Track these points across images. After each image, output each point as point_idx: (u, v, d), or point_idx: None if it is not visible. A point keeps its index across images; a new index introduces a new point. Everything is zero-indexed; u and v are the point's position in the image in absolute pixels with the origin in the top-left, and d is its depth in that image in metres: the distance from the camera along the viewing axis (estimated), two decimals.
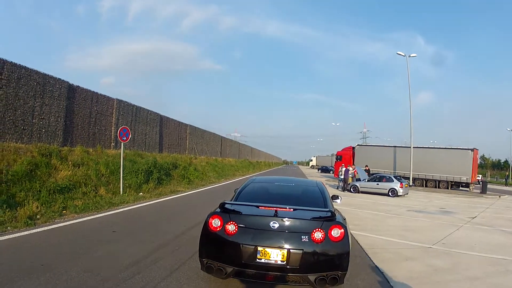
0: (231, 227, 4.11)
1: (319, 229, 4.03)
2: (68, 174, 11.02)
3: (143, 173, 14.81)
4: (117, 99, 18.71)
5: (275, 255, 3.96)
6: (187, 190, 16.54)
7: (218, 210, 4.42)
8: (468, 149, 29.80)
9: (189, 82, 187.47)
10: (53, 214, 8.44)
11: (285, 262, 3.93)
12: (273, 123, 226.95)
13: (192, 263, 5.36)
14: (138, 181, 14.11)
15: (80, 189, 10.77)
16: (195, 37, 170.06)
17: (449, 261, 6.74)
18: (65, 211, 8.90)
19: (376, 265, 6.09)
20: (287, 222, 4.08)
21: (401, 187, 20.50)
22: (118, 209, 10.12)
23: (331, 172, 54.16)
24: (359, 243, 7.67)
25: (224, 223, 4.17)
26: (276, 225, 4.05)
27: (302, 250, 3.95)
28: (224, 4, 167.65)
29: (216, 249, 4.16)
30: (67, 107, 14.73)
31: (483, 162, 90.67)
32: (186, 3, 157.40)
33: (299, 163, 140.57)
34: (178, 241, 6.71)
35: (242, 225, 4.12)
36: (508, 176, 54.70)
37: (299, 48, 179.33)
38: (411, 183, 28.09)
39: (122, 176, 12.95)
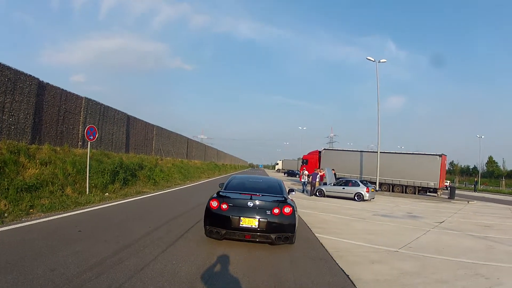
0: (224, 206, 6.79)
1: (277, 207, 6.79)
2: (36, 173, 11.18)
3: (109, 173, 15.02)
4: (85, 97, 18.65)
5: (250, 222, 6.63)
6: (153, 192, 16.83)
7: (215, 195, 7.12)
8: (436, 154, 30.17)
9: (157, 81, 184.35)
10: (20, 212, 8.65)
11: (257, 226, 6.62)
12: (240, 125, 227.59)
13: (156, 265, 5.54)
14: (104, 181, 14.33)
15: (47, 188, 10.96)
16: (166, 35, 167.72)
17: (417, 265, 6.82)
18: (32, 210, 9.11)
19: (341, 268, 6.17)
20: (257, 202, 6.81)
21: (367, 192, 20.67)
22: (84, 209, 10.35)
23: (297, 176, 55.17)
24: (324, 246, 7.76)
25: (220, 203, 6.84)
26: (251, 204, 6.77)
27: (267, 219, 6.66)
28: (196, 2, 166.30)
29: (215, 220, 6.81)
30: (36, 104, 14.65)
31: (451, 168, 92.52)
32: (158, 1, 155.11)
33: (265, 166, 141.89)
34: (143, 242, 6.88)
35: (231, 204, 6.81)
36: (476, 182, 56.23)
37: (270, 49, 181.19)
38: (377, 188, 28.33)
39: (89, 176, 13.17)
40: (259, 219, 6.65)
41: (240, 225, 6.63)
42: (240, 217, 6.65)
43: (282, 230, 6.73)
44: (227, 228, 6.70)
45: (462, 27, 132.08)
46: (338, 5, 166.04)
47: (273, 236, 6.66)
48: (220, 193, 7.24)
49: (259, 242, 7.00)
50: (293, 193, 9.00)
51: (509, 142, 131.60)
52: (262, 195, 7.13)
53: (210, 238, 7.14)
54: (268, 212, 6.73)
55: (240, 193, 7.21)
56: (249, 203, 6.79)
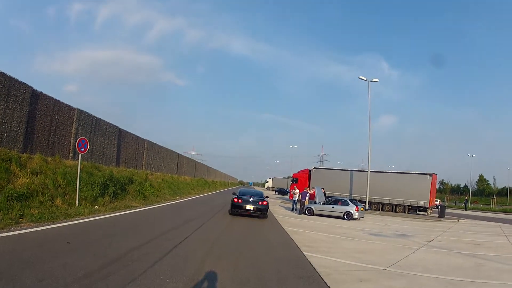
0: (240, 200, 16.34)
1: (260, 201, 16.49)
2: (26, 182, 11.11)
3: (99, 186, 14.95)
4: (78, 109, 18.60)
5: (250, 207, 16.21)
6: (142, 206, 16.78)
7: (235, 196, 16.65)
8: (427, 174, 30.11)
9: (149, 95, 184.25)
10: (10, 221, 8.63)
11: (252, 209, 16.16)
12: (231, 142, 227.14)
13: (144, 280, 5.52)
14: (94, 194, 14.27)
15: (37, 197, 10.90)
16: (159, 49, 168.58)
17: (405, 283, 6.86)
18: (21, 219, 9.10)
19: (329, 286, 6.20)
20: (252, 199, 16.54)
21: (357, 211, 20.70)
22: (73, 220, 10.34)
23: (287, 194, 55.12)
24: (312, 265, 7.74)
25: (238, 199, 16.44)
26: (251, 199, 16.52)
27: (256, 206, 16.24)
28: (191, 18, 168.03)
29: (236, 206, 16.37)
30: (29, 113, 14.59)
31: (442, 187, 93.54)
32: (153, 13, 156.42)
33: (255, 184, 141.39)
34: (131, 256, 6.87)
35: (241, 200, 16.40)
36: (467, 200, 55.59)
37: (262, 67, 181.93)
38: (367, 207, 28.14)
39: (79, 188, 13.11)
40: (253, 206, 16.20)
41: (246, 208, 16.17)
42: (246, 205, 16.20)
43: (262, 211, 16.33)
44: (241, 209, 16.22)
45: (453, 47, 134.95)
46: (332, 24, 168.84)
47: (258, 213, 16.24)
48: (236, 196, 16.82)
49: (253, 216, 16.22)
50: (267, 198, 18.13)
51: (499, 161, 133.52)
52: (254, 197, 16.95)
53: (233, 215, 16.62)
54: (257, 203, 16.35)
55: (245, 195, 16.89)
56: (249, 199, 16.52)
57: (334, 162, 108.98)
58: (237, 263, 7.34)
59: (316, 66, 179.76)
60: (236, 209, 16.19)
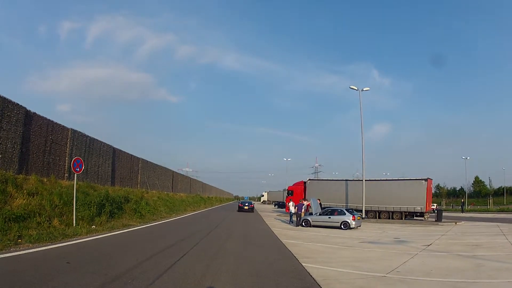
0: (241, 205, 42.72)
1: (250, 205, 42.46)
2: (23, 203, 11.13)
3: (95, 206, 14.94)
4: (71, 129, 18.67)
5: (246, 208, 41.38)
6: (139, 225, 16.74)
7: (239, 204, 44.78)
8: (422, 179, 30.04)
9: (142, 113, 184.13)
10: (8, 242, 8.66)
11: (247, 208, 41.19)
12: (225, 157, 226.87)
13: None
14: (91, 214, 14.25)
15: (34, 218, 10.93)
16: (151, 66, 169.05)
17: None
18: (20, 240, 9.13)
19: None
20: (246, 204, 43.35)
21: (354, 220, 20.65)
22: (72, 241, 10.34)
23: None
24: (311, 275, 7.72)
25: (239, 204, 43.73)
26: (246, 204, 43.24)
27: (248, 207, 41.71)
28: (181, 34, 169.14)
29: (240, 208, 42.00)
30: (23, 134, 14.60)
31: (438, 192, 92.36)
32: (143, 31, 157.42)
33: (250, 198, 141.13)
34: (130, 274, 6.88)
35: (241, 204, 43.01)
36: (463, 203, 55.73)
37: (254, 80, 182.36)
38: (364, 216, 28.36)
39: (75, 208, 13.10)
40: (247, 207, 41.47)
41: (244, 208, 40.93)
42: (244, 207, 41.38)
43: (251, 209, 41.25)
44: (241, 208, 41.16)
45: (444, 50, 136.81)
46: (323, 36, 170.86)
47: (249, 210, 40.75)
48: (240, 203, 45.02)
49: (247, 211, 39.81)
50: (253, 205, 44.13)
51: (494, 161, 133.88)
52: (247, 203, 43.49)
53: (239, 211, 39.37)
54: (249, 206, 41.79)
55: (242, 203, 43.71)
56: (245, 204, 42.94)
57: (329, 173, 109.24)
58: (236, 277, 7.35)
59: (308, 78, 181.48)
60: (240, 208, 40.95)
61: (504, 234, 17.75)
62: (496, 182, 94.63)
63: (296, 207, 23.68)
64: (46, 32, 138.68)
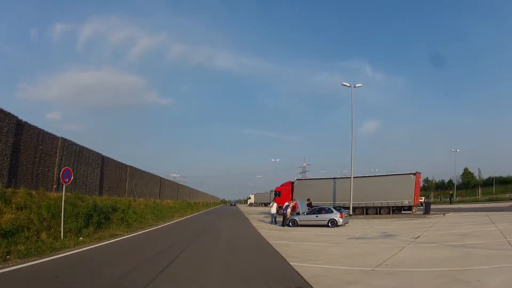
0: (230, 203, 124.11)
1: (233, 203, 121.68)
2: (12, 218, 11.19)
3: (83, 217, 14.99)
4: (62, 138, 18.48)
5: (231, 205, 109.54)
6: (126, 234, 16.84)
7: (232, 202, 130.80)
8: (410, 173, 30.15)
9: (131, 118, 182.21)
10: None
11: (231, 205, 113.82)
12: (212, 162, 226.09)
13: None
14: (78, 225, 14.32)
15: (23, 233, 10.99)
16: (141, 70, 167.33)
17: (394, 280, 7.01)
18: (8, 256, 9.22)
19: None
20: (233, 202, 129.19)
21: (341, 217, 20.82)
22: (60, 254, 10.46)
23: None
24: (299, 274, 7.80)
25: (231, 203, 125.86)
26: (232, 202, 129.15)
27: (232, 204, 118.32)
28: (173, 33, 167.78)
29: (231, 204, 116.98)
30: (14, 145, 14.20)
31: (426, 185, 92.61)
32: (135, 31, 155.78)
33: (237, 201, 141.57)
34: (119, 285, 7.05)
35: (231, 204, 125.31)
36: (452, 194, 56.26)
37: (245, 81, 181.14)
38: (351, 212, 28.25)
39: (63, 221, 13.21)
40: (232, 204, 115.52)
41: (231, 205, 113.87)
42: (231, 204, 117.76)
43: (234, 205, 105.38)
44: (230, 205, 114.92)
45: (435, 46, 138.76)
46: (315, 32, 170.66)
47: (233, 205, 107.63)
48: (231, 202, 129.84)
49: (233, 206, 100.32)
50: (235, 203, 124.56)
51: (484, 153, 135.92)
52: (232, 203, 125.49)
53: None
54: (234, 203, 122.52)
55: (231, 204, 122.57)
56: (232, 202, 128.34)
57: (317, 172, 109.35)
58: (225, 280, 7.59)
59: (298, 76, 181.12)
60: (230, 205, 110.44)
61: (493, 222, 17.76)
62: (486, 173, 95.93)
63: (279, 208, 23.91)
64: (36, 36, 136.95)
